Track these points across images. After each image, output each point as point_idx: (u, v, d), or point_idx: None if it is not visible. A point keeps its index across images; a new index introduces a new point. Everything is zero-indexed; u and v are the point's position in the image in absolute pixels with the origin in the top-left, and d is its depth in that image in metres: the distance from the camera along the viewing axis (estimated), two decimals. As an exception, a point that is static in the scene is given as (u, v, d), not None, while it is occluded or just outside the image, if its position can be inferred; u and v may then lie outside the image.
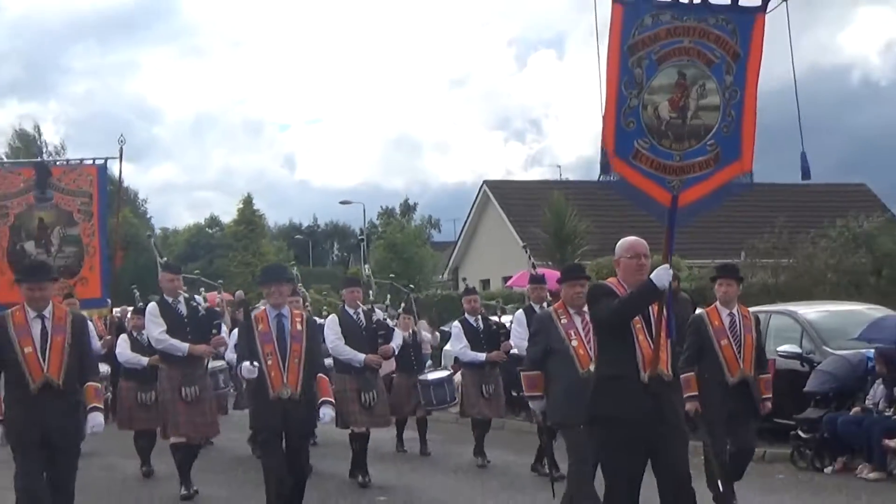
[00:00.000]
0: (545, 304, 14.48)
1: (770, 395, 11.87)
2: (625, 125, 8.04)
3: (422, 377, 16.90)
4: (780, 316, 17.98)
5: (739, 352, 11.63)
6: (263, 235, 65.81)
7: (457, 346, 16.43)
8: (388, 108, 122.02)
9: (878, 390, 14.80)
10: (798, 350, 16.54)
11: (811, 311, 18.09)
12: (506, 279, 35.89)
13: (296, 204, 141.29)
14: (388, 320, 16.32)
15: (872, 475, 13.84)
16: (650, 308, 8.26)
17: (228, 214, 68.70)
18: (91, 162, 18.40)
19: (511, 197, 51.06)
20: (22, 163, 19.53)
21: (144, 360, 14.68)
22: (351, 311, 14.77)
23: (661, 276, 7.89)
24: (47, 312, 9.60)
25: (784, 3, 8.05)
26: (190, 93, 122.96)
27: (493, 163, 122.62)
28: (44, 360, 9.38)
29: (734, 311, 11.91)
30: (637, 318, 8.27)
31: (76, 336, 9.69)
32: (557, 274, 16.16)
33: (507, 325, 16.67)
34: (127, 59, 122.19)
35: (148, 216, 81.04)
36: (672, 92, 8.13)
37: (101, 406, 10.01)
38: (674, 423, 8.41)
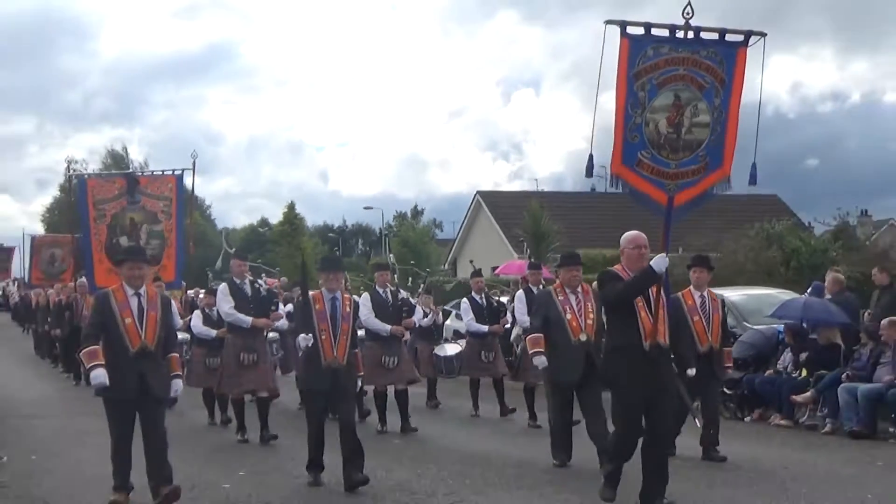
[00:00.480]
0: (541, 286, 14.17)
1: (731, 364, 12.05)
2: (630, 139, 8.02)
3: (438, 350, 16.64)
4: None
5: (708, 327, 11.42)
6: (303, 234, 65.22)
7: (465, 318, 15.99)
8: (401, 133, 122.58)
9: (786, 357, 15.08)
10: (725, 325, 16.35)
11: (735, 294, 18.22)
12: (494, 268, 35.19)
13: (328, 209, 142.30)
14: (410, 299, 16.04)
15: (783, 423, 14.09)
16: (650, 289, 8.12)
17: (275, 217, 68.51)
18: (171, 173, 18.39)
19: (498, 204, 50.75)
20: (115, 174, 19.11)
21: (213, 333, 14.34)
22: (380, 290, 14.28)
23: (660, 263, 7.87)
24: (142, 291, 9.22)
25: (761, 39, 8.10)
26: (245, 121, 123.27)
27: (484, 177, 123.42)
28: (141, 329, 9.03)
29: (704, 293, 11.67)
30: (639, 297, 8.11)
31: (164, 313, 9.35)
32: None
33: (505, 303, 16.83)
34: (196, 93, 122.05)
35: (213, 218, 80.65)
36: (669, 111, 8.08)
37: (181, 373, 9.85)
38: (666, 384, 8.37)
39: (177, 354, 9.71)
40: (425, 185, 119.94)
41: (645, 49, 7.90)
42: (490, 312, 15.94)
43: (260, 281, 13.77)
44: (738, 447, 11.56)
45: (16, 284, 48.58)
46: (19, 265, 58.25)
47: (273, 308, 13.43)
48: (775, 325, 15.76)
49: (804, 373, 14.32)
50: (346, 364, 10.14)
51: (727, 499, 9.37)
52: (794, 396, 13.98)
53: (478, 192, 54.67)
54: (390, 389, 13.92)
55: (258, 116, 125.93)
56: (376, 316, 13.77)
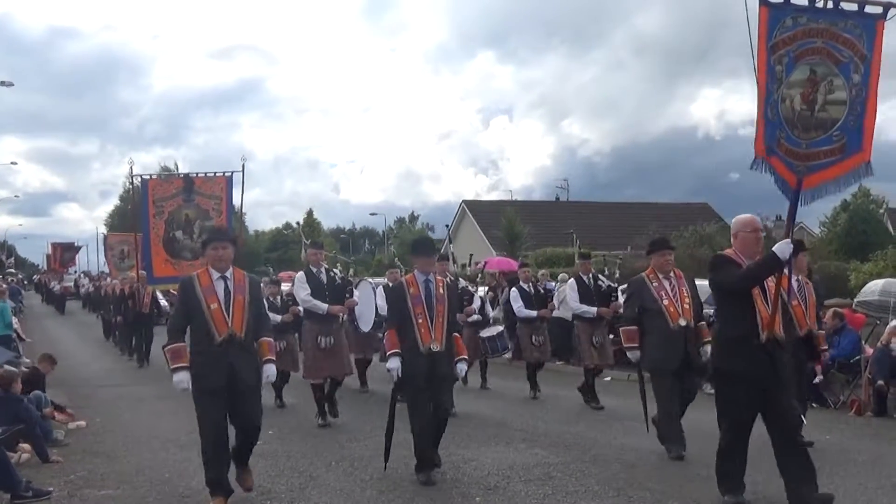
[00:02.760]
0: (590, 276, 12.23)
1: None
2: (770, 117, 5.81)
3: (483, 332, 13.80)
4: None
5: (805, 310, 8.96)
6: (320, 235, 63.42)
7: (514, 305, 13.49)
8: (399, 152, 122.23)
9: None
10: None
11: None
12: (476, 263, 33.64)
13: (340, 215, 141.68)
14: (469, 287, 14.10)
15: (711, 391, 11.95)
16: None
17: (297, 221, 66.92)
18: (222, 174, 16.99)
19: (479, 211, 50.70)
20: (173, 175, 18.12)
21: (278, 318, 11.88)
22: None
23: (784, 248, 5.86)
24: (228, 274, 6.95)
25: None
26: (271, 142, 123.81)
27: (467, 188, 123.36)
28: (228, 316, 6.76)
29: (800, 277, 9.19)
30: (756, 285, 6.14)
31: (253, 296, 7.02)
32: (510, 260, 14.58)
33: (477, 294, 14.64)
34: (230, 120, 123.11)
35: (246, 224, 79.06)
36: (804, 86, 5.85)
37: (274, 358, 7.25)
38: (784, 378, 6.24)
39: (270, 339, 7.24)
40: (420, 195, 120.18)
41: (783, 18, 5.68)
42: (538, 298, 13.62)
43: (335, 270, 11.42)
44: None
45: (87, 276, 46.95)
46: (85, 260, 57.38)
47: (347, 295, 11.14)
48: (707, 310, 13.74)
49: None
50: (444, 347, 7.76)
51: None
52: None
53: (463, 201, 54.33)
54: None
55: (282, 139, 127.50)
56: None
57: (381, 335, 12.47)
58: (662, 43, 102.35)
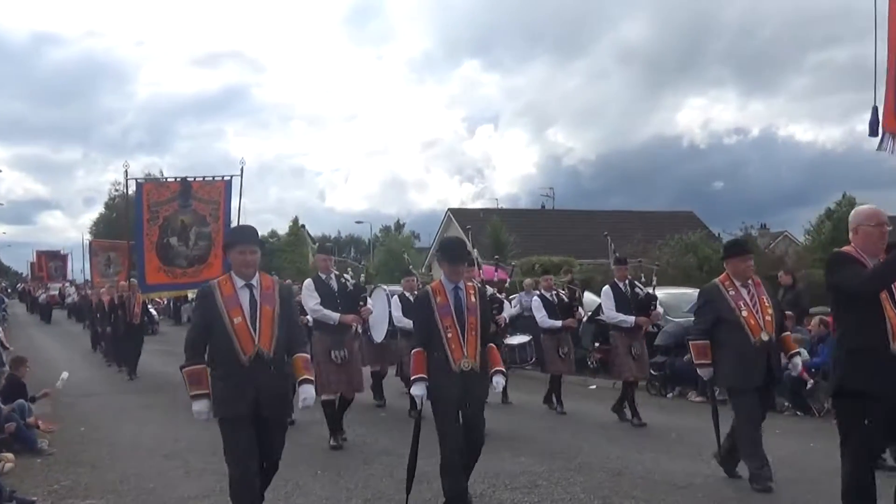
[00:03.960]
0: (626, 282, 11.50)
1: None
2: None
3: (508, 340, 13.02)
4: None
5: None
6: (305, 244, 63.14)
7: (537, 315, 12.57)
8: (385, 160, 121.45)
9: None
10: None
11: (659, 293, 16.48)
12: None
13: (326, 223, 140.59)
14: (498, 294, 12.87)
15: (697, 399, 13.22)
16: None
17: (282, 229, 66.59)
18: (221, 178, 16.61)
19: (465, 219, 49.00)
20: (170, 179, 18.50)
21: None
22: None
23: None
24: (255, 282, 5.88)
25: None
26: (256, 150, 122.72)
27: (453, 196, 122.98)
28: (254, 331, 5.72)
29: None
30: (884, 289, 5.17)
31: (284, 305, 5.95)
32: (492, 268, 14.06)
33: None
34: (215, 127, 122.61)
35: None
36: None
37: (312, 378, 6.11)
38: None
39: (305, 355, 6.12)
40: (405, 202, 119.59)
41: None
42: (562, 308, 12.71)
43: (347, 275, 10.42)
44: (662, 418, 11.32)
45: (73, 286, 46.54)
46: (70, 269, 56.98)
47: (361, 303, 10.14)
48: (692, 319, 13.79)
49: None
50: (479, 364, 6.73)
51: (653, 460, 8.70)
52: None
53: (448, 209, 53.91)
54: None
55: (267, 146, 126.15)
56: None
57: (393, 347, 12.30)
58: (647, 52, 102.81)
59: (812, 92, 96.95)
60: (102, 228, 67.75)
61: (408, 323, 10.82)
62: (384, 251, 54.09)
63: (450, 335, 6.67)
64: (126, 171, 17.46)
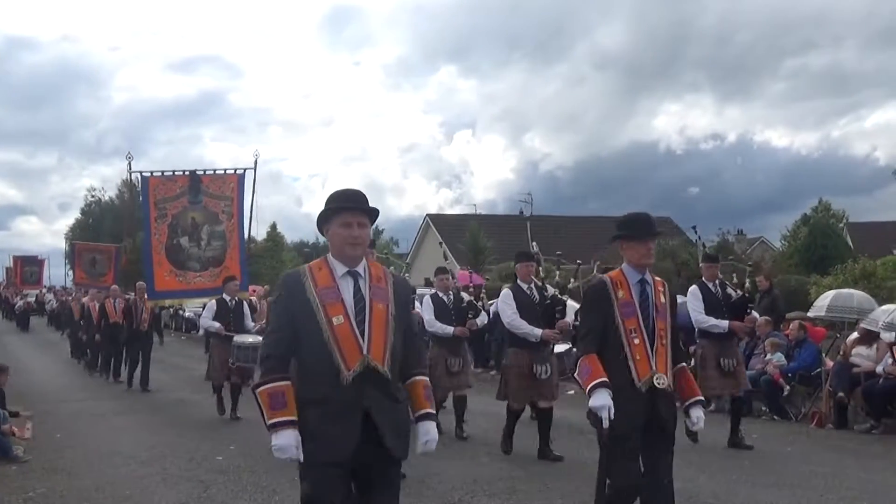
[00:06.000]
0: (716, 282, 9.89)
1: None
2: None
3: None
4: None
5: None
6: (283, 249, 62.88)
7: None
8: (363, 166, 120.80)
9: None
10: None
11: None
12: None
13: (303, 228, 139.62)
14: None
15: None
16: None
17: (260, 235, 66.23)
18: (233, 171, 15.76)
19: (443, 224, 50.16)
20: (177, 172, 16.44)
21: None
22: (524, 286, 9.27)
23: None
24: (361, 269, 4.13)
25: None
26: (233, 155, 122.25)
27: (431, 202, 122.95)
28: (362, 337, 3.98)
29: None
30: None
31: (400, 305, 4.20)
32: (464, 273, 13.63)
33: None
34: (192, 133, 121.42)
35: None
36: None
37: (434, 412, 4.38)
38: None
39: (426, 378, 4.35)
40: (383, 208, 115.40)
41: None
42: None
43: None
44: None
45: (51, 292, 45.85)
46: (48, 275, 56.44)
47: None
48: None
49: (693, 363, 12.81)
50: (671, 384, 5.12)
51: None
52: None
53: (427, 214, 54.19)
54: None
55: (243, 152, 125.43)
56: (521, 316, 9.00)
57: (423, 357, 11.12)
58: (624, 57, 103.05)
59: (788, 98, 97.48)
60: (79, 235, 67.20)
61: (441, 327, 10.23)
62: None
63: (635, 342, 5.01)
64: (129, 164, 16.33)
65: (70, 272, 47.54)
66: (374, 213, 4.17)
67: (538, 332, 8.87)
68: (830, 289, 17.68)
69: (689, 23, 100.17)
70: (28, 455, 9.59)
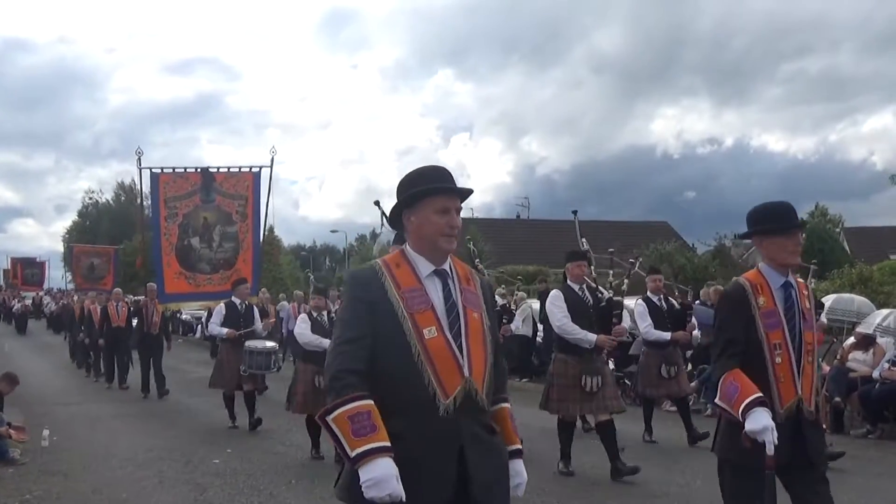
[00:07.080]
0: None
1: None
2: None
3: None
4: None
5: None
6: (280, 252, 62.88)
7: (641, 324, 10.36)
8: (360, 168, 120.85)
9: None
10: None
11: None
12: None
13: (301, 232, 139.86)
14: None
15: (671, 409, 11.79)
16: None
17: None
18: (248, 169, 15.09)
19: None
20: (189, 169, 15.53)
21: (326, 342, 8.35)
22: (576, 287, 8.32)
23: None
24: (448, 267, 3.10)
25: None
26: (230, 157, 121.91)
27: None
28: (461, 354, 2.98)
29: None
30: None
31: (492, 315, 3.23)
32: None
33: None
34: (189, 135, 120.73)
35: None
36: None
37: (521, 447, 3.33)
38: None
39: (509, 405, 3.35)
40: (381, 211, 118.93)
41: None
42: (672, 316, 10.47)
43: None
44: (636, 428, 10.29)
45: (49, 295, 45.80)
46: (47, 277, 56.31)
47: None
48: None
49: (689, 367, 13.24)
50: (818, 412, 4.28)
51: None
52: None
53: (425, 218, 52.88)
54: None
55: (240, 154, 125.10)
56: (574, 320, 8.15)
57: None
58: (621, 61, 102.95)
59: (785, 102, 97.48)
60: (76, 237, 66.89)
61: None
62: (359, 261, 53.99)
63: (779, 360, 4.06)
64: (139, 159, 15.03)
65: (68, 274, 47.28)
66: (466, 196, 3.22)
67: (592, 337, 8.09)
68: (827, 294, 17.70)
69: (685, 27, 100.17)
70: (25, 458, 9.57)
